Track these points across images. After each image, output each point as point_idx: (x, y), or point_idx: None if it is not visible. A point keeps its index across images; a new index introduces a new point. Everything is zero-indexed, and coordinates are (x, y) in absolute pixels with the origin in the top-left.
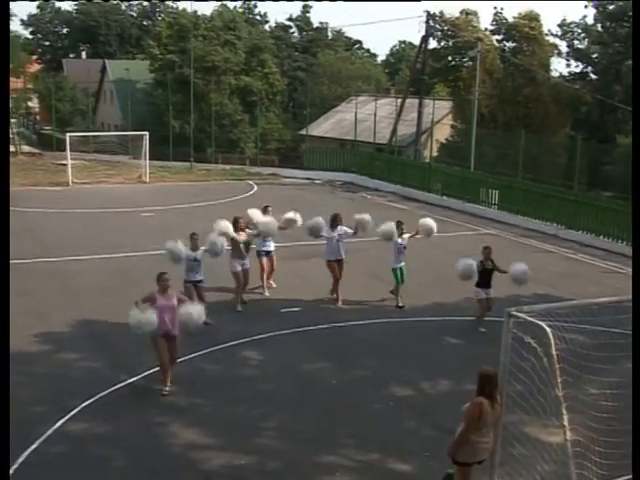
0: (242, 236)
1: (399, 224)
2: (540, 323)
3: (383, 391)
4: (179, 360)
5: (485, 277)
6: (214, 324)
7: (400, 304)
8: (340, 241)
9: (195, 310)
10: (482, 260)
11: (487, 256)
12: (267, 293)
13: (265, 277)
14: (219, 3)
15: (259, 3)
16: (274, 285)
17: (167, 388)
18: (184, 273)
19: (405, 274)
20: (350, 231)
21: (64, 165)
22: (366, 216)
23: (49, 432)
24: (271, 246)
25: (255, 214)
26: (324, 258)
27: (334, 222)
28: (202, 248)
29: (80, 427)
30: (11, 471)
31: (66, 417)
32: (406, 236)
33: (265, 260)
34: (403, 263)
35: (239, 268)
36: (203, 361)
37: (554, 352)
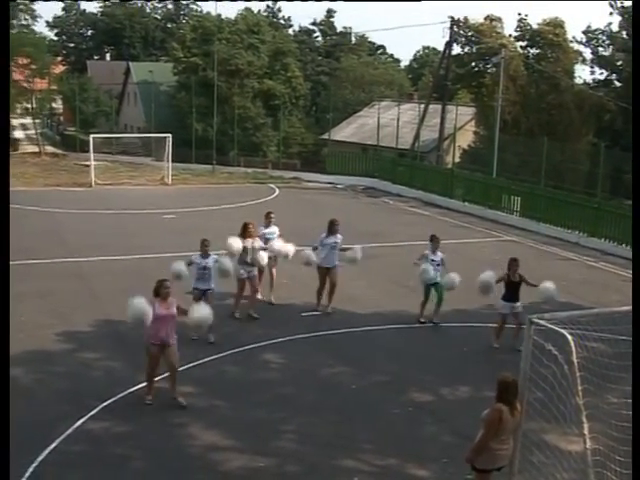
0: (250, 243)
1: (433, 238)
2: (561, 331)
3: (402, 396)
4: (200, 362)
5: (511, 290)
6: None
7: (422, 319)
8: (335, 249)
9: (201, 313)
10: (508, 272)
11: (514, 269)
12: (260, 296)
13: (270, 284)
14: (243, 7)
15: (283, 7)
16: (273, 302)
17: (149, 397)
18: (193, 281)
19: (443, 292)
20: (341, 245)
21: (87, 166)
22: (358, 249)
23: (69, 431)
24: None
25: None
26: (317, 263)
27: (331, 228)
28: (213, 256)
29: (100, 426)
30: (31, 469)
31: (86, 416)
32: (440, 253)
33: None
34: (439, 279)
35: (245, 275)
36: (224, 363)
37: (575, 360)
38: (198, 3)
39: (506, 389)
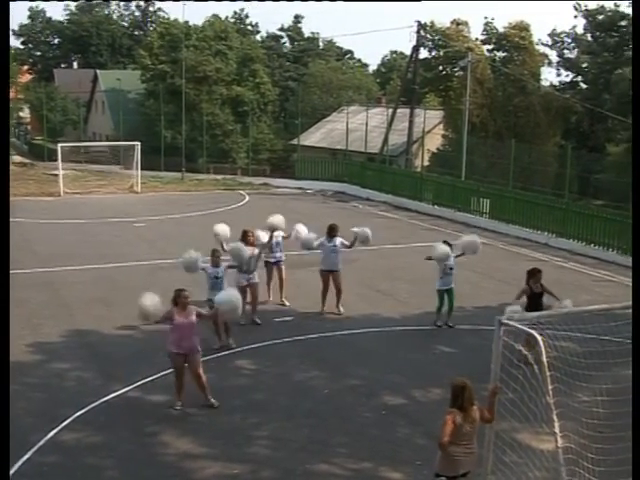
0: (250, 250)
1: (447, 244)
2: (531, 331)
3: (375, 400)
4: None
5: (533, 302)
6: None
7: (438, 323)
8: (335, 252)
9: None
10: (530, 283)
11: (537, 279)
12: (287, 303)
13: (279, 288)
14: (210, 13)
15: (251, 13)
16: (287, 303)
17: (179, 404)
18: (207, 292)
19: (454, 296)
20: (346, 243)
21: (55, 175)
22: (367, 229)
23: (42, 442)
24: (279, 256)
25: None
26: (319, 267)
27: (331, 232)
28: (224, 264)
29: (73, 437)
30: None
31: (59, 427)
32: (453, 256)
33: (274, 269)
34: (452, 285)
35: (245, 282)
36: None
37: (545, 360)
38: (165, 9)
39: (461, 393)
